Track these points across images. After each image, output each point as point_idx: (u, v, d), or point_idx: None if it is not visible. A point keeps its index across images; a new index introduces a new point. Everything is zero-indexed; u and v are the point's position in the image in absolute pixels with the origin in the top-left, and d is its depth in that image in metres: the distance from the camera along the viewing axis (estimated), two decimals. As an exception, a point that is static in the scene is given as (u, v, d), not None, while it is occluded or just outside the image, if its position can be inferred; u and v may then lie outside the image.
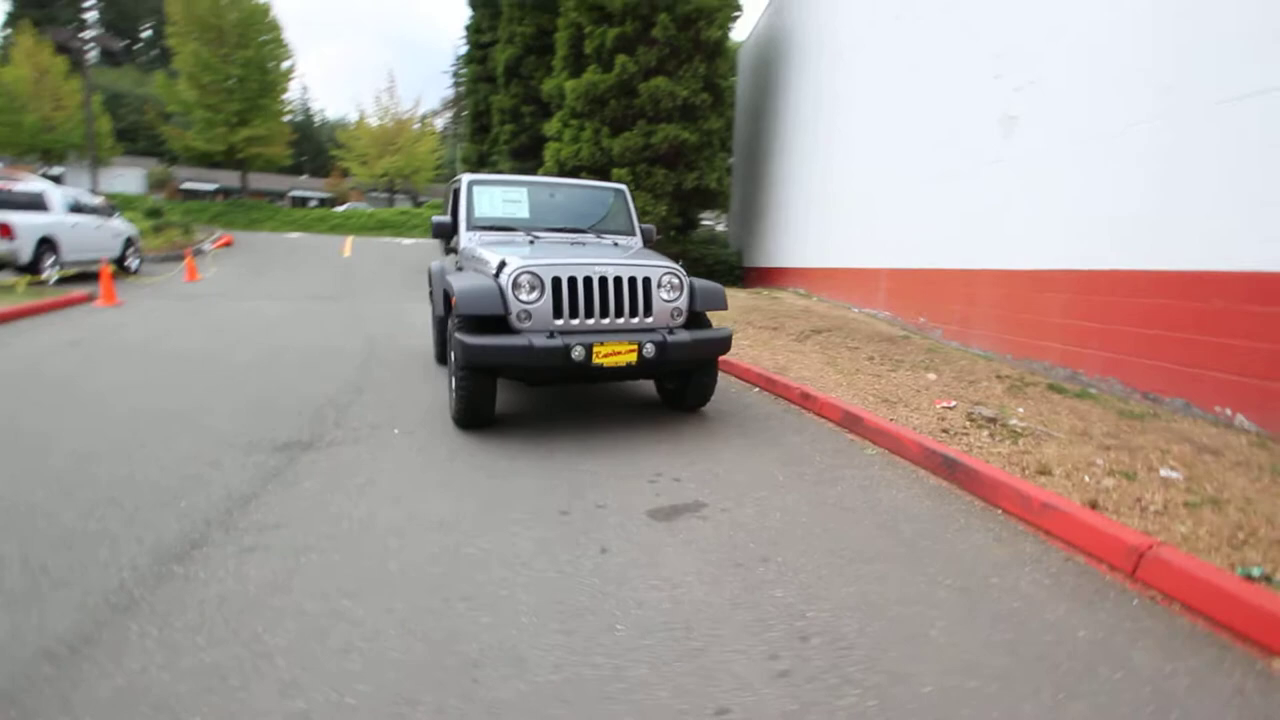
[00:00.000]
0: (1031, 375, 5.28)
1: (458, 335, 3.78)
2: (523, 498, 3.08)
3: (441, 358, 6.06)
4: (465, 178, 5.13)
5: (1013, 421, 4.24)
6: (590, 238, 5.04)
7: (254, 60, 27.09)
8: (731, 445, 3.98)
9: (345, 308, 10.09)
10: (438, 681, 1.80)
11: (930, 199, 6.93)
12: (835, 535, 2.76)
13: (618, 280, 4.02)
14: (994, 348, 5.99)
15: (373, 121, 36.86)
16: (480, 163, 18.88)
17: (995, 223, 5.87)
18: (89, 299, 9.09)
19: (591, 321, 3.96)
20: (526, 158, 15.47)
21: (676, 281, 4.22)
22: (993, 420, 4.29)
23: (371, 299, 11.29)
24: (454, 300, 3.80)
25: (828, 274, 9.73)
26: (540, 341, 3.71)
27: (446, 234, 4.99)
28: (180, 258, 15.16)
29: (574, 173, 12.55)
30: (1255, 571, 2.30)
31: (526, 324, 3.85)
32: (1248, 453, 3.45)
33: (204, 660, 1.86)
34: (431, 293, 6.58)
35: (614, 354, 3.83)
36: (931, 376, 5.56)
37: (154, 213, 18.87)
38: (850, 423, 4.31)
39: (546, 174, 13.14)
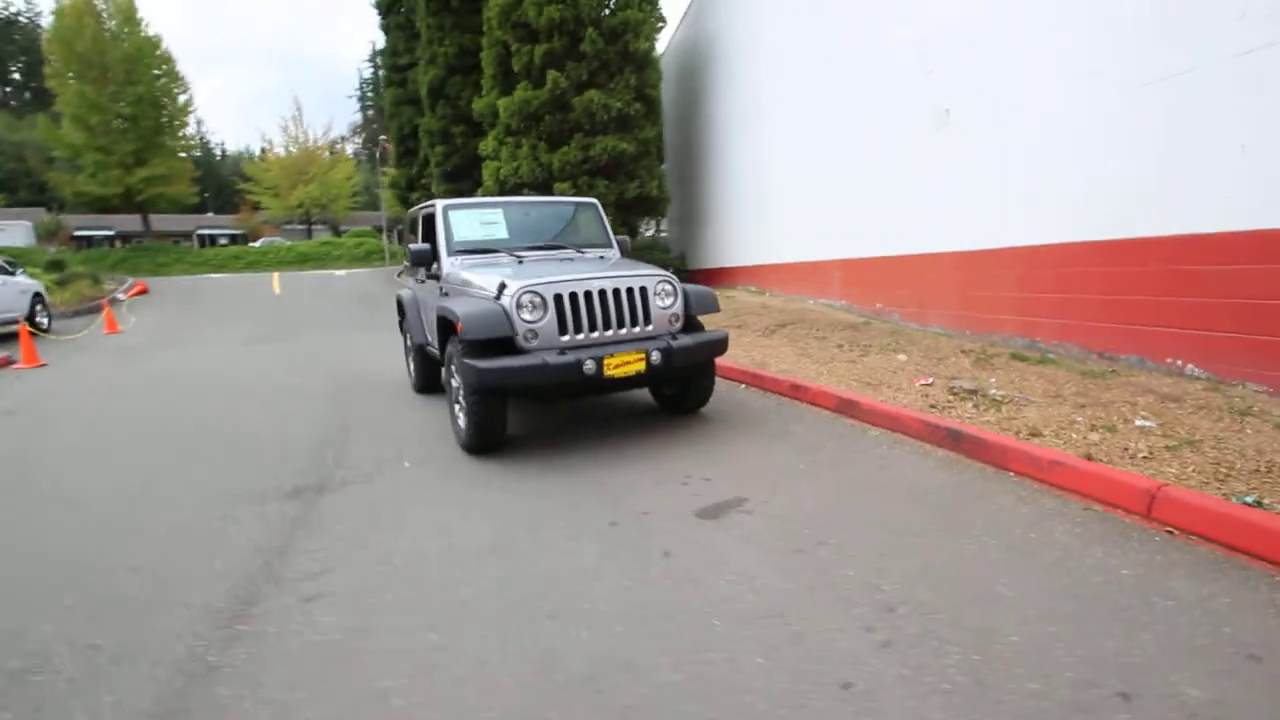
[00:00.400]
0: (993, 347, 5.67)
1: (467, 360, 3.75)
2: (564, 514, 3.09)
3: (423, 387, 5.94)
4: (439, 203, 5.07)
5: (992, 392, 4.56)
6: (571, 253, 5.08)
7: (146, 96, 25.58)
8: (743, 441, 4.10)
9: (295, 347, 9.68)
10: (561, 698, 1.82)
11: (877, 191, 7.33)
12: (874, 514, 2.92)
13: (616, 292, 4.09)
14: (952, 325, 6.40)
15: (281, 151, 35.38)
16: (409, 187, 18.47)
17: (944, 208, 6.28)
18: (9, 363, 8.37)
19: (595, 335, 4.01)
20: (461, 179, 15.26)
21: (670, 288, 4.33)
22: (973, 392, 4.59)
23: (319, 335, 10.88)
24: (459, 326, 3.77)
25: (778, 269, 10.08)
26: (553, 359, 3.73)
27: (426, 261, 4.92)
28: (94, 310, 14.12)
29: (516, 190, 12.50)
30: (1248, 499, 2.60)
31: (534, 343, 3.86)
32: (1205, 397, 3.86)
33: (322, 713, 1.81)
34: (402, 322, 6.44)
35: (624, 364, 3.89)
36: (902, 358, 5.87)
37: (56, 265, 17.49)
38: (846, 408, 4.52)
39: (486, 193, 13.02)
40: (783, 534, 2.75)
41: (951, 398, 4.57)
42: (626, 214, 13.19)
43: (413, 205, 19.15)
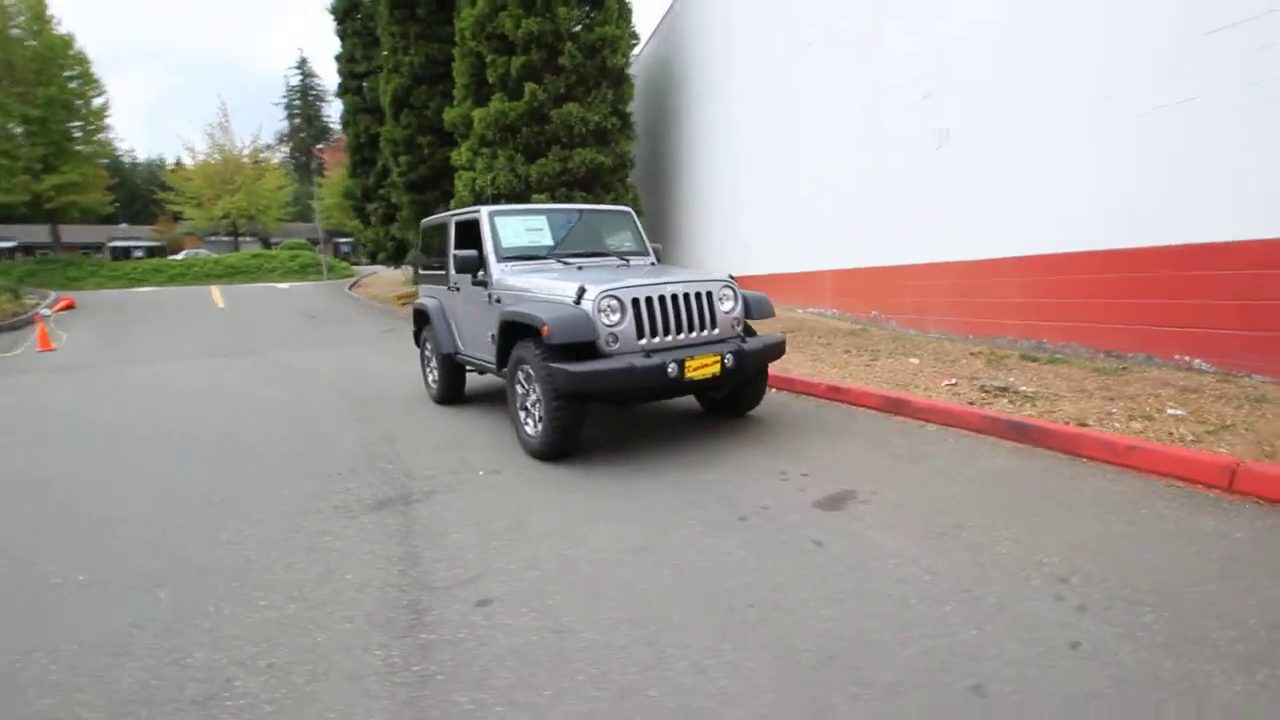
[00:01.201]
0: (1000, 350, 6.08)
1: (556, 364, 3.74)
2: (687, 512, 3.12)
3: (447, 398, 5.81)
4: (484, 210, 5.01)
5: (1022, 388, 4.89)
6: (614, 260, 5.12)
7: (57, 99, 23.69)
8: (814, 440, 4.24)
9: (265, 361, 9.19)
10: (820, 676, 1.86)
11: (873, 205, 7.72)
12: (985, 499, 3.11)
13: (686, 296, 4.17)
14: (953, 330, 6.81)
15: (204, 159, 33.44)
16: (366, 197, 17.85)
17: (945, 221, 6.70)
18: (-53, 384, 7.55)
19: (670, 338, 4.07)
20: (426, 189, 14.92)
21: (731, 293, 4.45)
22: (1004, 390, 4.92)
23: (286, 349, 10.36)
24: (546, 330, 3.75)
25: (766, 280, 10.38)
26: (640, 362, 3.76)
27: (474, 268, 4.84)
28: (16, 327, 12.90)
29: (494, 200, 12.36)
30: (1312, 470, 2.93)
31: (614, 347, 3.88)
32: (1219, 388, 4.30)
33: (581, 710, 1.78)
34: (419, 333, 6.27)
35: (702, 367, 3.97)
36: (914, 361, 6.20)
37: (-41, 278, 15.83)
38: (895, 407, 4.74)
39: (460, 204, 12.79)
40: (912, 520, 2.89)
41: (984, 394, 4.87)
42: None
43: (370, 216, 18.60)
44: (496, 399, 6.06)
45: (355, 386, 6.95)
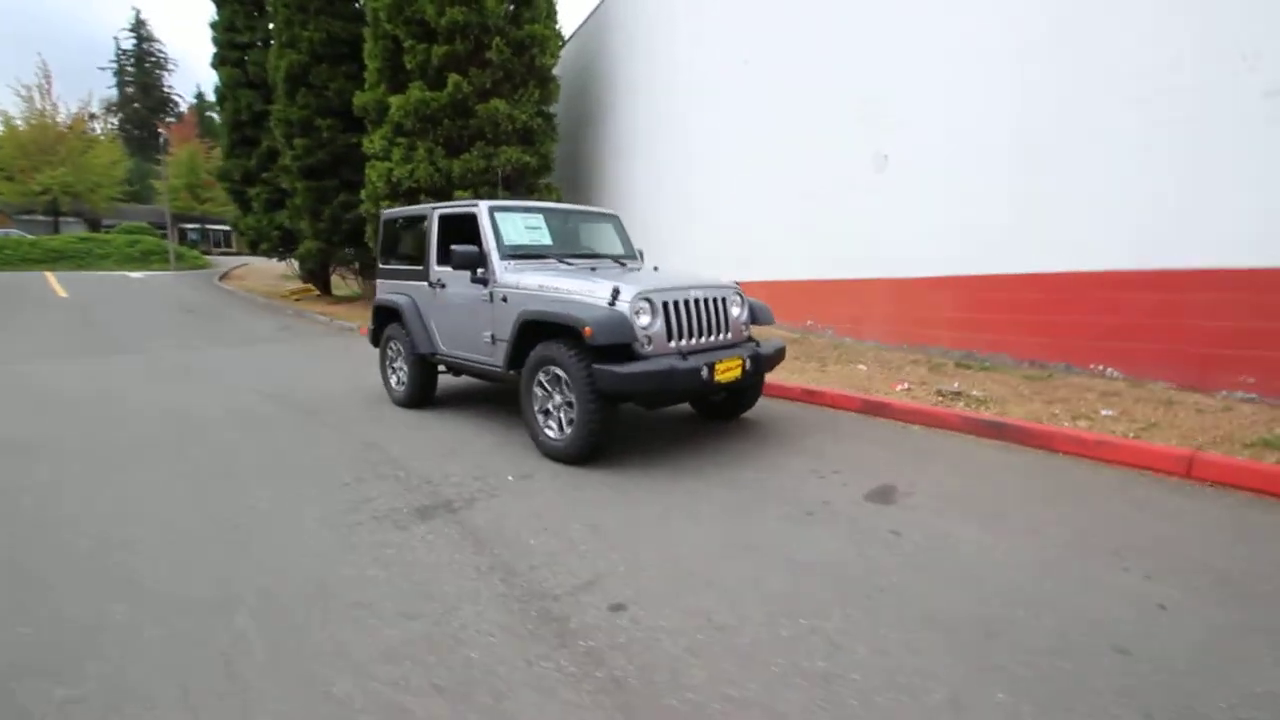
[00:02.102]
0: (936, 359, 6.78)
1: (601, 366, 3.71)
2: (755, 509, 3.24)
3: (417, 400, 5.49)
4: (483, 205, 4.82)
5: (974, 392, 5.51)
6: (609, 262, 5.13)
7: None
8: (821, 441, 4.51)
9: (157, 362, 8.09)
10: (991, 651, 2.06)
11: (811, 222, 8.27)
12: (1008, 489, 3.51)
13: (708, 300, 4.30)
14: (888, 340, 7.47)
15: (19, 125, 28.52)
16: (247, 180, 16.08)
17: (882, 240, 7.34)
18: None
19: (694, 341, 4.17)
20: (325, 175, 13.77)
21: (740, 299, 4.64)
22: (959, 394, 5.51)
23: (173, 349, 9.17)
24: (588, 331, 3.70)
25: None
26: (680, 364, 3.83)
27: (474, 264, 4.64)
28: None
29: (411, 194, 11.74)
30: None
31: (648, 349, 3.92)
32: (1134, 393, 5.12)
33: (792, 700, 1.84)
34: (377, 332, 5.86)
35: (729, 369, 4.11)
36: (862, 367, 6.75)
37: None
38: (875, 409, 5.16)
39: (373, 194, 12.03)
40: (961, 510, 3.21)
41: (941, 398, 5.44)
42: (524, 227, 13.00)
43: (251, 202, 16.74)
44: (470, 401, 5.81)
45: (286, 391, 6.33)
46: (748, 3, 9.17)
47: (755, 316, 4.74)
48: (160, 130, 29.79)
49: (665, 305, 4.04)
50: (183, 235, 33.33)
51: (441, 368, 5.53)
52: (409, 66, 11.79)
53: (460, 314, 4.98)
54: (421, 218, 5.45)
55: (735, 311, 4.56)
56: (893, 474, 3.75)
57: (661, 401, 4.44)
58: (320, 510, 3.29)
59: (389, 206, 11.88)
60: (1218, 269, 4.82)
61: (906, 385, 5.84)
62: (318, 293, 15.65)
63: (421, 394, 5.54)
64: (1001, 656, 2.03)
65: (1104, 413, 4.73)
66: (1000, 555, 2.72)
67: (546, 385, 4.11)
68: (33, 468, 3.99)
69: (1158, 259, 5.16)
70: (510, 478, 3.79)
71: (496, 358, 4.66)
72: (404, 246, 5.74)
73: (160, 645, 2.14)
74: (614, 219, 5.62)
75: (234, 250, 36.42)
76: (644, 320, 3.93)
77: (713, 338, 4.31)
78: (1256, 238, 4.62)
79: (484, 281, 4.68)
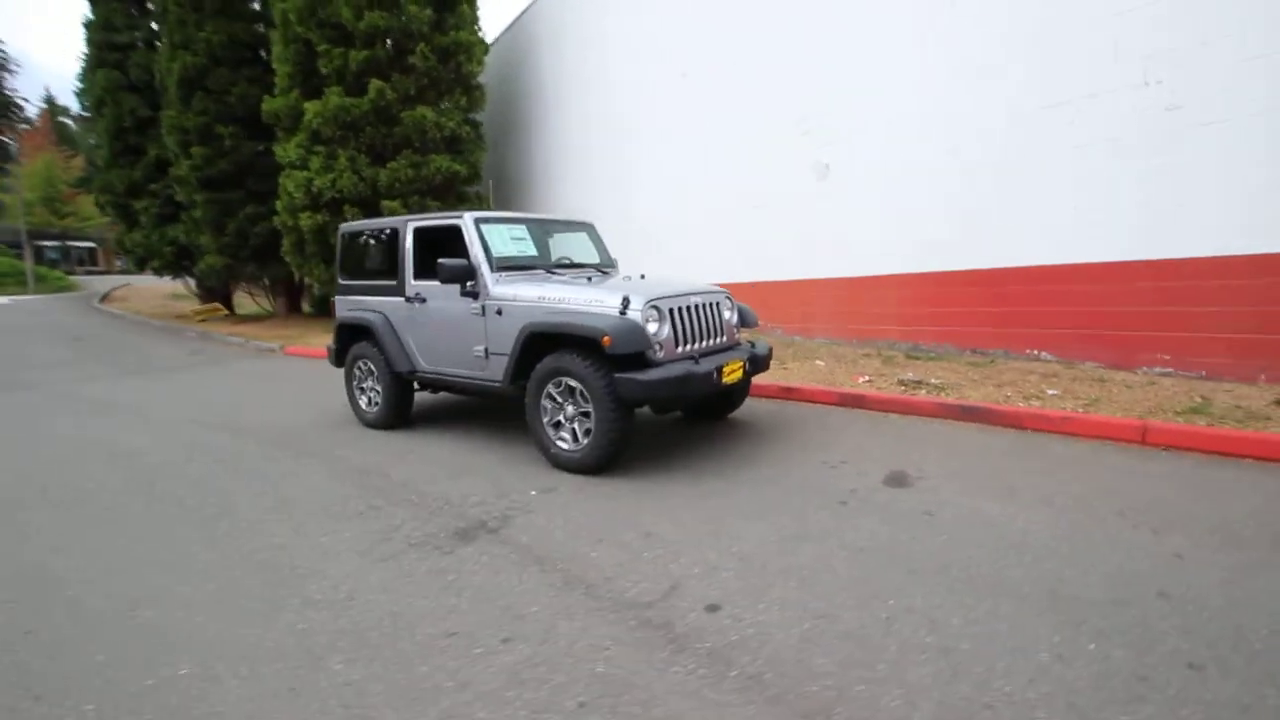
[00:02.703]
0: (886, 351, 7.26)
1: (623, 374, 3.74)
2: (792, 503, 3.38)
3: (391, 421, 5.27)
4: (468, 216, 4.69)
5: (932, 380, 5.96)
6: (592, 272, 5.14)
7: None
8: (816, 434, 4.73)
9: (62, 397, 7.26)
10: (1080, 614, 2.28)
11: (757, 228, 8.61)
12: (1004, 466, 3.85)
13: (704, 306, 4.43)
14: (838, 335, 7.91)
15: None
16: (132, 193, 14.56)
17: (829, 243, 7.77)
18: None
19: (695, 346, 4.28)
20: (228, 186, 12.76)
21: (730, 303, 4.80)
22: (920, 382, 5.94)
23: (75, 381, 8.25)
24: (608, 340, 3.72)
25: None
26: (695, 369, 3.92)
27: (463, 277, 4.52)
28: None
29: (335, 204, 11.15)
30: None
31: (659, 355, 3.99)
32: (1070, 373, 5.72)
33: (924, 674, 1.98)
34: (341, 352, 5.57)
35: (732, 372, 4.25)
36: (820, 363, 7.12)
37: None
38: (852, 401, 5.47)
39: (292, 205, 11.32)
40: (976, 488, 3.49)
41: (905, 387, 5.85)
42: (456, 237, 12.68)
43: (138, 216, 15.15)
44: (446, 418, 5.63)
45: (232, 421, 5.88)
46: (683, 20, 9.43)
47: (744, 319, 4.90)
48: (7, 138, 26.36)
49: (671, 312, 4.13)
50: (39, 254, 29.67)
51: (421, 385, 5.35)
52: (324, 71, 11.23)
53: (445, 329, 4.83)
54: (391, 231, 5.23)
55: (727, 315, 4.71)
56: (896, 460, 4.01)
57: (673, 406, 4.52)
58: (352, 542, 3.12)
59: (309, 218, 11.21)
60: (1131, 261, 5.50)
61: (867, 378, 6.21)
62: (226, 312, 14.47)
63: (397, 415, 5.32)
64: (1074, 612, 2.27)
65: (1050, 392, 5.26)
66: (1025, 525, 3.00)
67: (557, 397, 4.08)
68: (3, 525, 3.51)
69: (1081, 255, 5.81)
70: (533, 492, 3.74)
71: (491, 372, 4.57)
72: (371, 261, 5.48)
73: (263, 701, 1.98)
74: (588, 227, 5.64)
75: (101, 269, 32.94)
76: (654, 327, 3.99)
77: (711, 341, 4.43)
78: (1163, 233, 5.30)
79: (474, 294, 4.57)
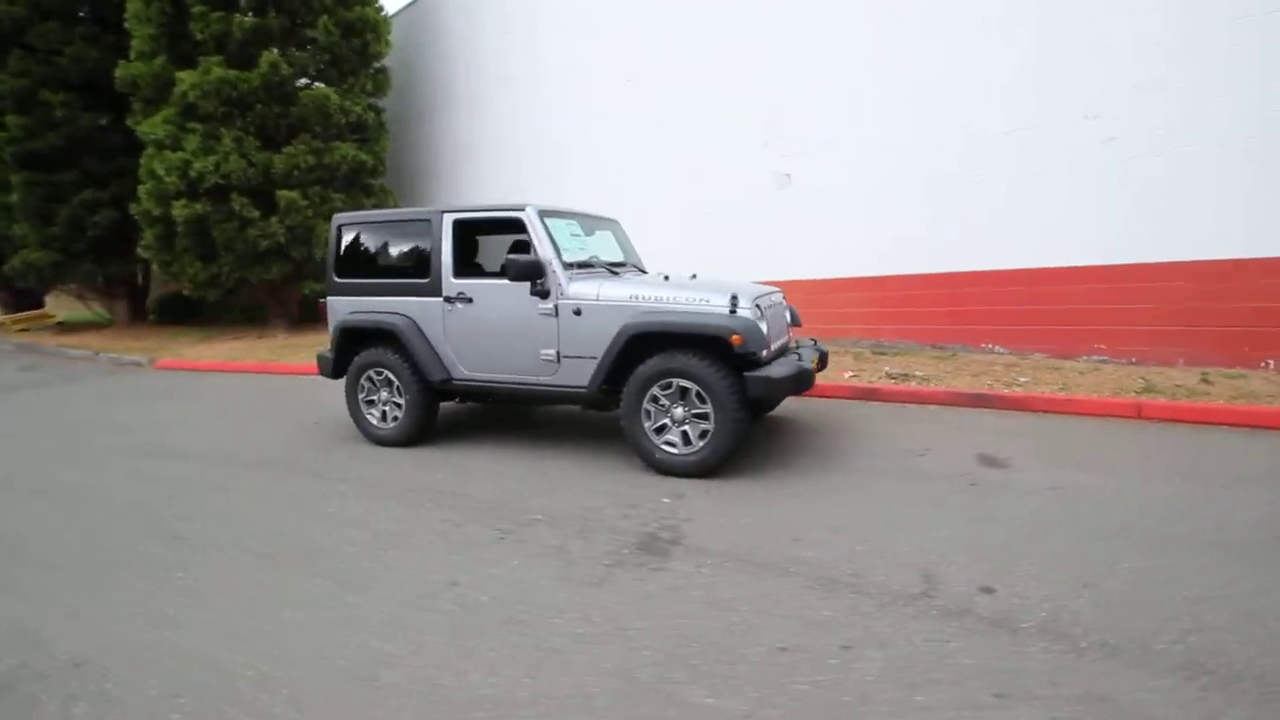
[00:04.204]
0: (852, 348, 7.81)
1: (757, 374, 3.71)
2: (932, 495, 3.54)
3: (412, 437, 4.72)
4: (531, 209, 4.32)
5: (917, 372, 6.55)
6: (633, 270, 5.01)
7: None
8: (861, 428, 4.98)
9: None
10: (1211, 558, 2.67)
11: (715, 237, 8.82)
12: (1065, 445, 4.32)
13: (777, 306, 4.52)
14: (800, 334, 8.36)
15: None
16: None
17: (792, 249, 8.19)
18: None
19: (776, 345, 4.35)
20: (59, 165, 10.39)
21: (784, 303, 4.93)
22: (906, 375, 6.50)
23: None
24: (738, 339, 3.67)
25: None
26: (805, 365, 4.00)
27: (535, 275, 4.16)
28: None
29: (219, 192, 9.59)
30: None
31: (763, 353, 4.01)
32: (1027, 363, 6.57)
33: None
34: (340, 361, 4.86)
35: (815, 367, 4.38)
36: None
37: None
38: (865, 395, 5.84)
39: (159, 192, 9.54)
40: (1059, 463, 3.92)
41: (891, 379, 6.37)
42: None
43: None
44: (463, 429, 5.12)
45: (166, 446, 4.93)
46: (626, 25, 9.39)
47: (793, 319, 5.05)
48: None
49: (762, 310, 4.15)
50: None
51: (457, 395, 4.83)
52: (200, 36, 9.69)
53: (499, 332, 4.41)
54: (418, 222, 4.66)
55: (787, 315, 4.84)
56: (970, 445, 4.38)
57: (774, 405, 4.52)
58: (533, 569, 2.77)
59: (185, 207, 9.52)
60: (1073, 267, 6.49)
61: (852, 373, 6.67)
62: (55, 319, 11.74)
63: (422, 429, 4.76)
64: (1224, 555, 2.66)
65: (1021, 379, 6.03)
66: (1126, 493, 3.43)
67: (664, 400, 3.92)
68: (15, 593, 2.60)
69: (1028, 261, 6.74)
70: (665, 500, 3.56)
71: (563, 376, 4.26)
72: (385, 257, 4.84)
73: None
74: (615, 224, 5.45)
75: None
76: (763, 326, 4.00)
77: (782, 340, 4.53)
78: (1103, 244, 6.32)
79: (544, 293, 4.24)
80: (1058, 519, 3.13)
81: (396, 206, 11.83)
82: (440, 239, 4.54)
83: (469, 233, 4.53)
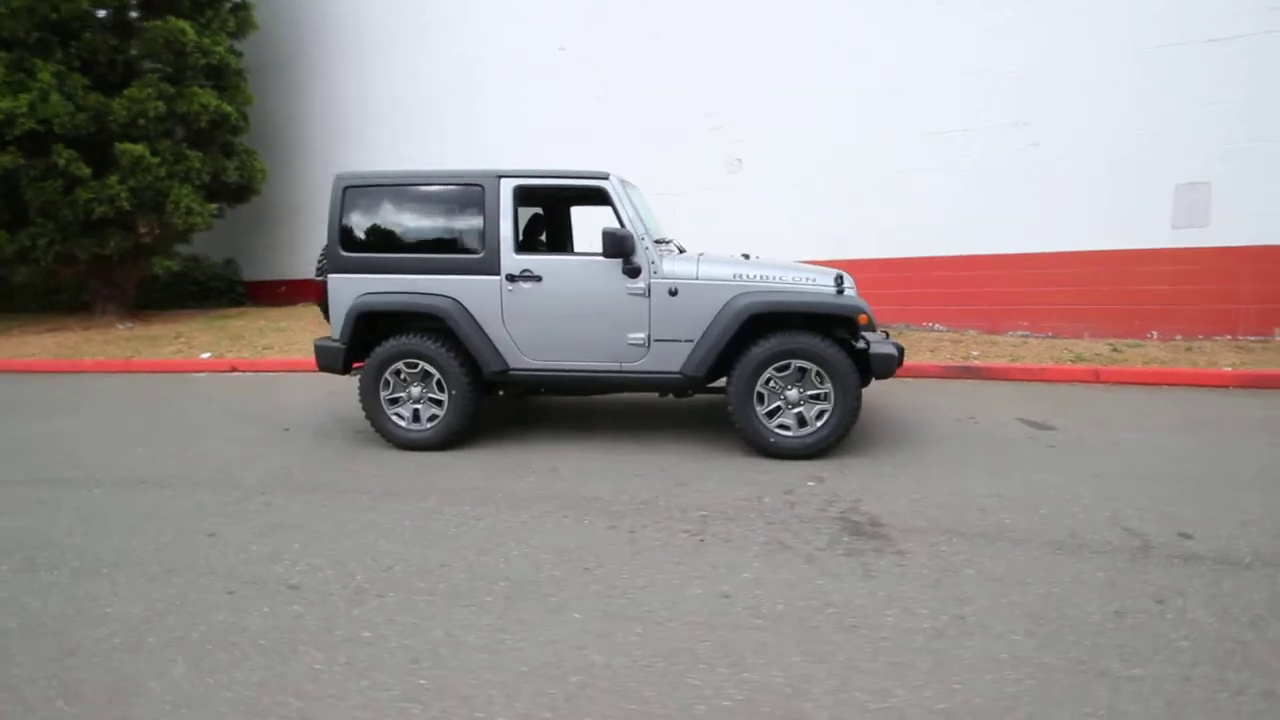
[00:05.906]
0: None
1: (880, 351, 3.72)
2: (1015, 459, 3.86)
3: (454, 438, 4.09)
4: (615, 177, 3.89)
5: (882, 350, 7.05)
6: (673, 247, 4.79)
7: None
8: (892, 401, 5.26)
9: None
10: (1267, 491, 3.28)
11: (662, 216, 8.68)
12: (1088, 407, 4.90)
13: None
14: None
15: None
16: None
17: (733, 231, 8.32)
18: None
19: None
20: None
21: (824, 283, 5.03)
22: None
23: None
24: (864, 318, 3.69)
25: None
26: (897, 342, 4.11)
27: (628, 251, 3.77)
28: None
29: (34, 140, 7.43)
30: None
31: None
32: (969, 338, 7.38)
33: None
34: (349, 348, 4.06)
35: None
36: (757, 341, 7.72)
37: None
38: (862, 371, 6.17)
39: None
40: (1097, 424, 4.46)
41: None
42: (223, 205, 9.69)
43: None
44: (500, 427, 4.56)
45: (147, 475, 3.83)
46: None
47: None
48: None
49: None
50: None
51: (510, 387, 4.25)
52: (-6, -68, 7.32)
53: (577, 314, 3.97)
54: (463, 187, 3.99)
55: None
56: (1000, 411, 4.83)
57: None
58: (787, 569, 2.55)
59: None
60: (1000, 254, 7.42)
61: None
62: None
63: (469, 426, 4.14)
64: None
65: (974, 353, 6.81)
66: (1171, 446, 4.04)
67: (779, 381, 3.80)
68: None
69: (962, 249, 7.57)
70: (810, 483, 3.48)
71: (651, 362, 3.97)
72: (416, 229, 4.08)
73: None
74: (639, 192, 5.13)
75: None
76: (861, 305, 4.04)
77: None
78: (1019, 234, 7.29)
79: (633, 272, 3.88)
80: (1155, 469, 3.57)
81: (264, 171, 10.04)
82: (499, 208, 3.94)
83: (528, 202, 3.98)
